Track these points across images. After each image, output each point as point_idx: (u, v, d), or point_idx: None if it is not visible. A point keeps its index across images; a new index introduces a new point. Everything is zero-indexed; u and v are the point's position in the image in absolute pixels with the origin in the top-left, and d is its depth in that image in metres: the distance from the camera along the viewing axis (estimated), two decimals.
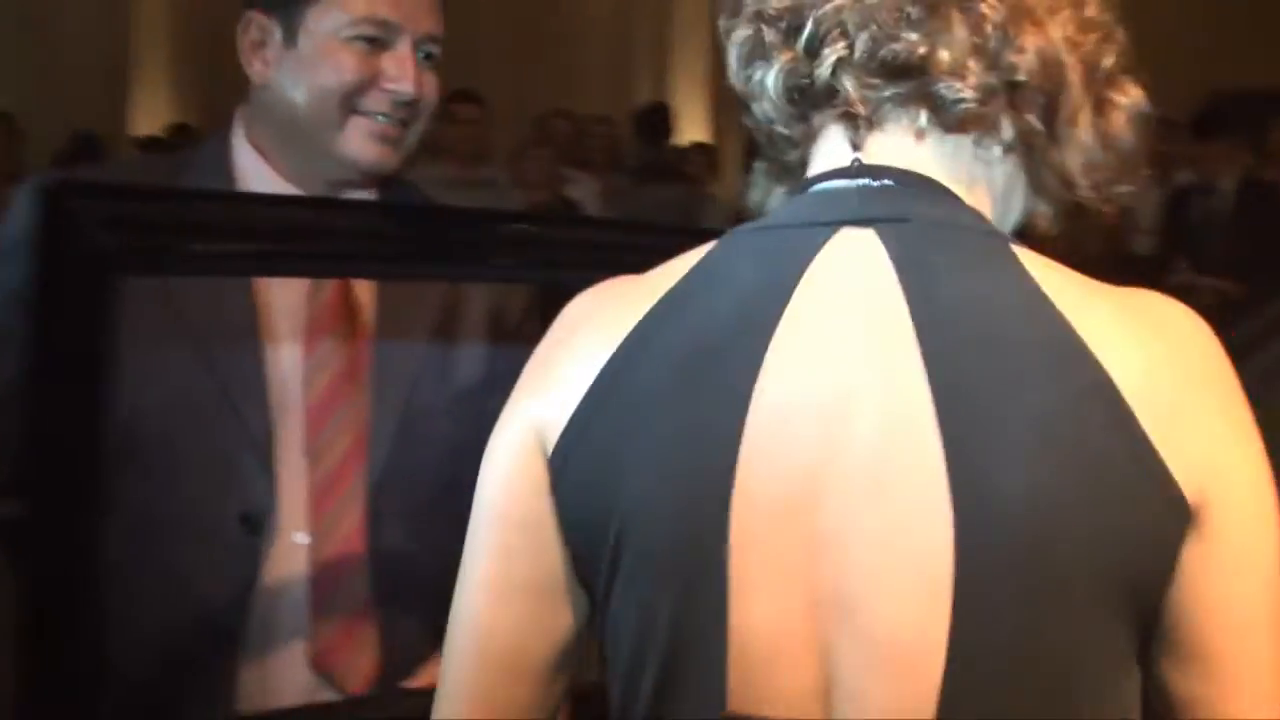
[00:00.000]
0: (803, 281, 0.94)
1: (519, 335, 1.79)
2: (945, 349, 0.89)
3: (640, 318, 0.97)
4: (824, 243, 0.95)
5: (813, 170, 1.02)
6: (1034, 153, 1.01)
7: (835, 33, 0.97)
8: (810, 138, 1.03)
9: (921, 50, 0.95)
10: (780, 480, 0.90)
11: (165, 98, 10.16)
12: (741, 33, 1.02)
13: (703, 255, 1.00)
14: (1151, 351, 0.90)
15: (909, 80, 0.96)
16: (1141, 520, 0.87)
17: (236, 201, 1.56)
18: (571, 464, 0.97)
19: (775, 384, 0.91)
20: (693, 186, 6.93)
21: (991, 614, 0.87)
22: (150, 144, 8.28)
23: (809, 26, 0.97)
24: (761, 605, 0.91)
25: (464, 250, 1.46)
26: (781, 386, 0.91)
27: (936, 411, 0.88)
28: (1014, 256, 0.94)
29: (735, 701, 0.91)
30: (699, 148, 8.15)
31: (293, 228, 1.39)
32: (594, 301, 1.04)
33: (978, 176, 1.00)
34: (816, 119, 1.01)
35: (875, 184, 0.97)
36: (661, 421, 0.93)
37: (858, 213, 0.96)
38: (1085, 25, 1.00)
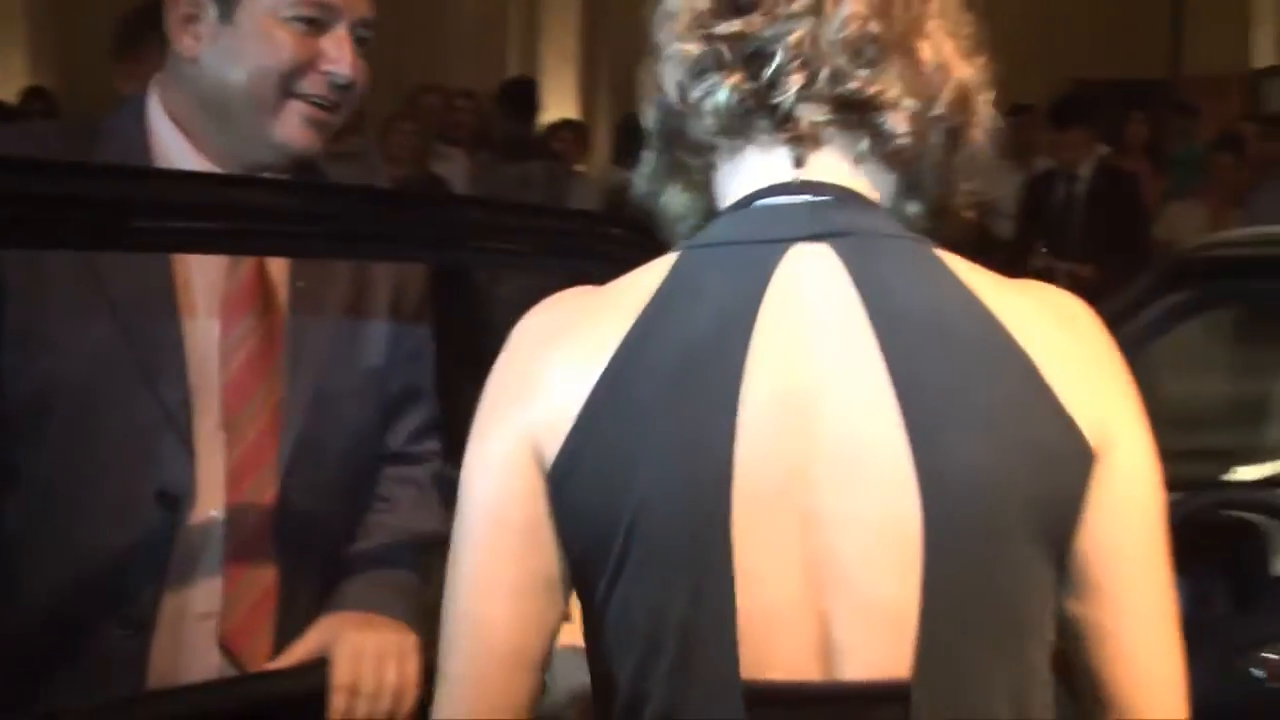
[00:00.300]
0: (769, 293, 1.05)
1: (420, 315, 1.81)
2: (901, 347, 1.03)
3: (627, 330, 1.06)
4: (782, 257, 1.07)
5: (744, 182, 1.13)
6: (923, 163, 1.13)
7: (797, 64, 1.07)
8: (735, 151, 1.13)
9: (873, 89, 1.07)
10: (771, 470, 1.02)
11: (19, 61, 9.79)
12: (690, 49, 1.11)
13: (667, 271, 1.09)
14: (1061, 337, 1.07)
15: (857, 112, 1.08)
16: (1064, 479, 1.04)
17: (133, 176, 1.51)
18: (578, 467, 1.05)
19: (758, 385, 1.03)
20: (560, 163, 6.90)
21: (954, 575, 1.01)
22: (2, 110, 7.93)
23: (778, 56, 1.07)
24: (765, 582, 1.02)
25: (373, 229, 1.46)
26: (764, 387, 1.03)
27: (898, 402, 1.02)
28: (941, 260, 1.08)
29: (747, 669, 1.02)
30: (567, 124, 8.11)
31: (203, 204, 1.39)
32: (563, 315, 1.12)
33: (878, 184, 1.13)
34: (756, 136, 1.11)
35: (818, 200, 1.09)
36: (662, 424, 1.03)
37: (810, 228, 1.08)
38: (971, 51, 1.14)
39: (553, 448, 1.06)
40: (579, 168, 7.52)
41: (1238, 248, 1.57)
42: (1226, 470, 2.47)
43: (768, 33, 1.08)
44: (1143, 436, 1.07)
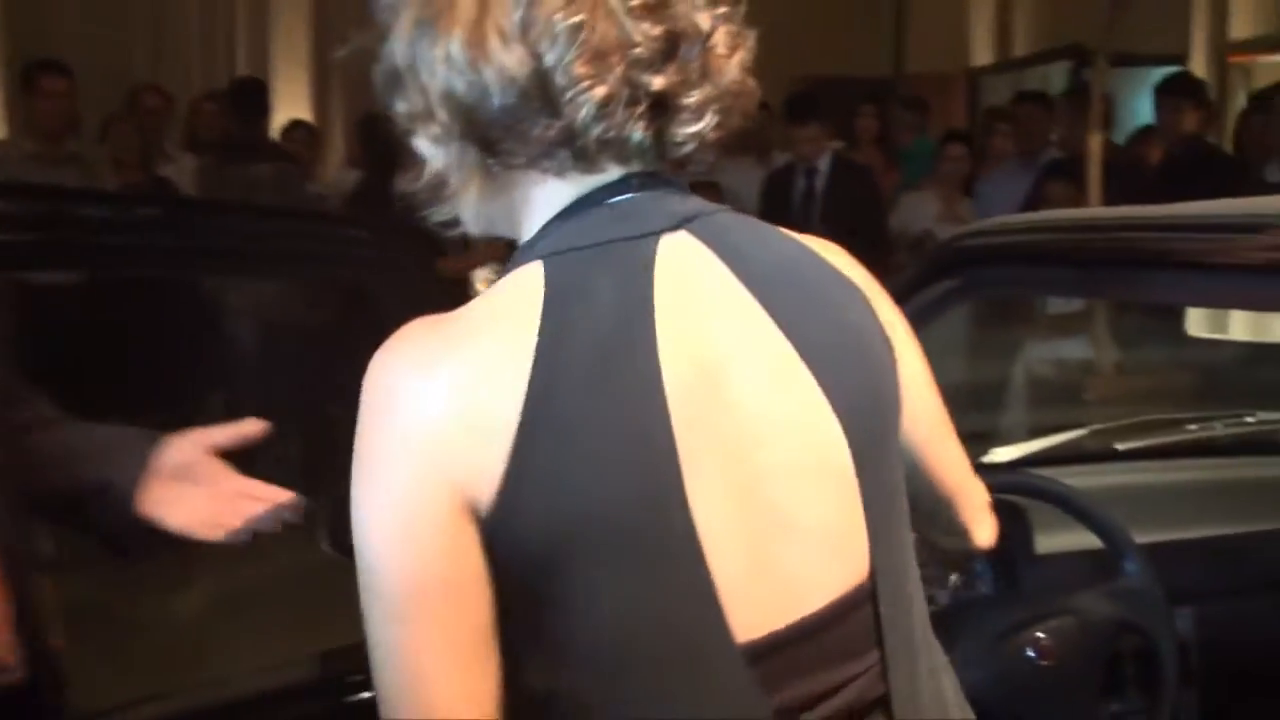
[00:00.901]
0: (657, 283, 1.09)
1: None
2: (779, 302, 1.12)
3: (533, 346, 1.04)
4: (656, 248, 1.10)
5: (568, 183, 1.12)
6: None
7: (596, 78, 1.06)
8: (545, 155, 1.10)
9: (670, 90, 1.09)
10: (707, 441, 1.06)
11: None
12: (513, 63, 1.06)
13: (542, 283, 1.07)
14: (859, 271, 1.22)
15: (661, 115, 1.10)
16: (893, 376, 1.19)
17: None
18: (520, 497, 1.02)
19: (675, 366, 1.06)
20: (292, 165, 6.66)
21: (877, 482, 1.15)
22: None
23: (581, 72, 1.05)
24: (725, 550, 1.07)
25: None
26: (681, 366, 1.06)
27: (796, 350, 1.12)
28: (757, 223, 1.19)
29: (737, 631, 1.07)
30: (298, 125, 7.85)
31: None
32: (436, 350, 1.05)
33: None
34: (575, 142, 1.09)
35: (658, 192, 1.14)
36: (597, 424, 1.03)
37: (670, 219, 1.12)
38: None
39: (488, 488, 1.02)
40: (311, 169, 7.30)
41: (1002, 236, 1.56)
42: (983, 453, 2.50)
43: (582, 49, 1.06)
44: (895, 327, 1.23)
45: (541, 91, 1.05)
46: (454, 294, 1.65)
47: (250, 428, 1.69)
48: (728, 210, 1.17)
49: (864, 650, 1.14)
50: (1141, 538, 1.98)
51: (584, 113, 1.05)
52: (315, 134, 8.08)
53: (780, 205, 6.52)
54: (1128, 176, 5.45)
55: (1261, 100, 6.47)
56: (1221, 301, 1.38)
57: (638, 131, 1.08)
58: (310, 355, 6.20)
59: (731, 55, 1.13)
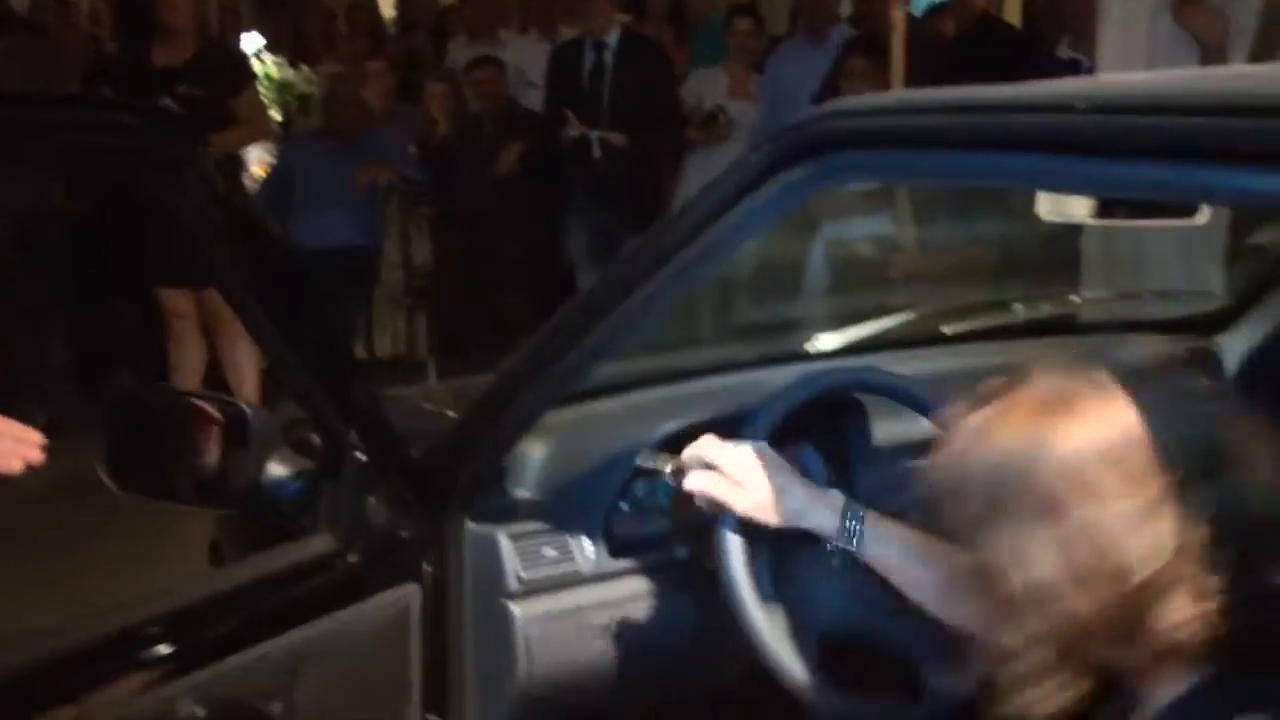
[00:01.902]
0: None
1: None
2: None
3: None
4: None
5: None
6: None
7: None
8: None
9: None
10: None
11: None
12: None
13: None
14: None
15: None
16: None
17: None
18: None
19: None
20: (41, 37, 6.19)
21: None
22: None
23: None
24: None
25: None
26: None
27: None
28: None
29: None
30: None
31: None
32: None
33: None
34: None
35: None
36: None
37: None
38: None
39: None
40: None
41: (869, 118, 1.43)
42: (808, 339, 2.41)
43: None
44: None
45: None
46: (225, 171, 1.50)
47: None
48: None
49: None
50: None
51: None
52: (67, 3, 7.58)
53: (569, 82, 6.32)
54: (927, 53, 5.41)
55: None
56: (1119, 190, 1.28)
57: None
58: (71, 249, 5.80)
59: None
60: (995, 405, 1.26)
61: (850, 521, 1.68)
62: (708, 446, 1.76)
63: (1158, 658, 1.18)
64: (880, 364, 2.10)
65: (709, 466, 1.73)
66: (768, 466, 1.72)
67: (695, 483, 1.74)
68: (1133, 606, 1.15)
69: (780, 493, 1.71)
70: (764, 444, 1.76)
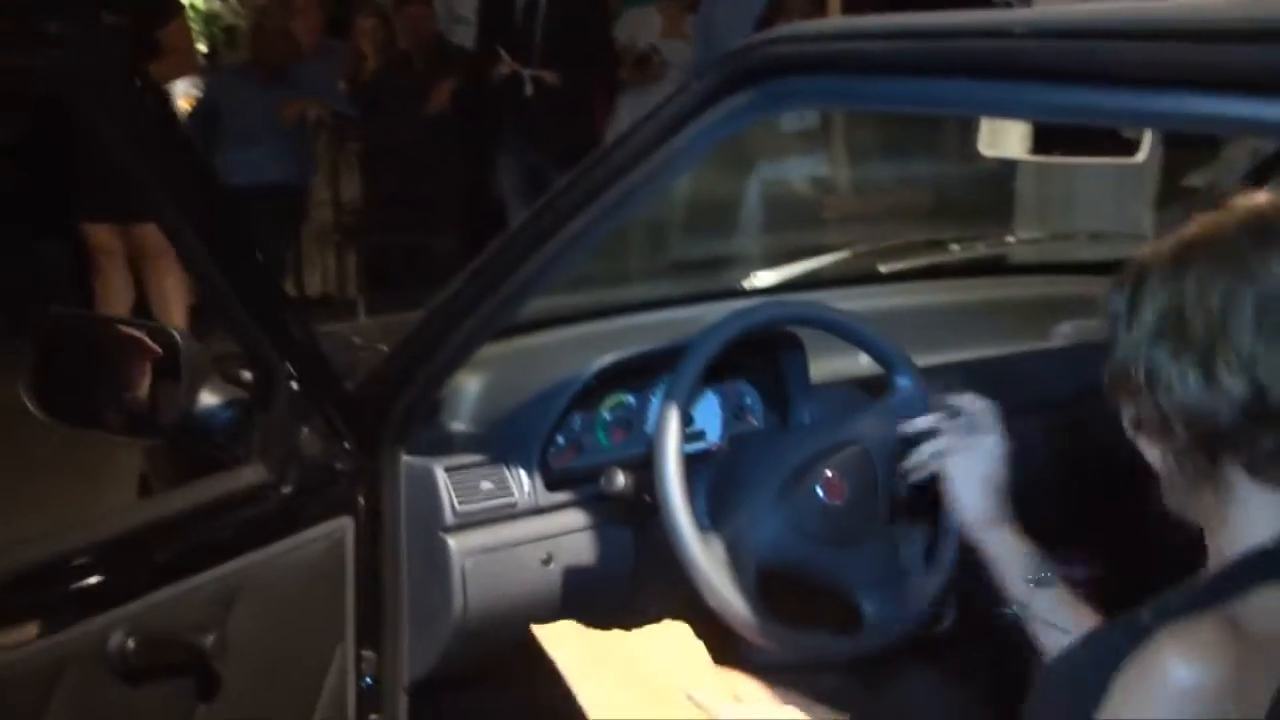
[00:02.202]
0: None
1: None
2: None
3: None
4: None
5: None
6: None
7: None
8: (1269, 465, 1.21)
9: None
10: None
11: None
12: (1240, 389, 1.17)
13: None
14: None
15: None
16: None
17: None
18: None
19: None
20: None
21: None
22: None
23: None
24: None
25: None
26: None
27: None
28: None
29: None
30: None
31: None
32: None
33: None
34: None
35: None
36: None
37: None
38: None
39: None
40: None
41: (816, 43, 1.41)
42: (745, 277, 2.41)
43: None
44: None
45: (1264, 412, 1.15)
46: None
47: None
48: None
49: None
50: None
51: None
52: None
53: (501, 19, 6.25)
54: None
55: None
56: (1056, 114, 1.27)
57: None
58: None
59: None
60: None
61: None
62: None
63: None
64: (818, 301, 2.10)
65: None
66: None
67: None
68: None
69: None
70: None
